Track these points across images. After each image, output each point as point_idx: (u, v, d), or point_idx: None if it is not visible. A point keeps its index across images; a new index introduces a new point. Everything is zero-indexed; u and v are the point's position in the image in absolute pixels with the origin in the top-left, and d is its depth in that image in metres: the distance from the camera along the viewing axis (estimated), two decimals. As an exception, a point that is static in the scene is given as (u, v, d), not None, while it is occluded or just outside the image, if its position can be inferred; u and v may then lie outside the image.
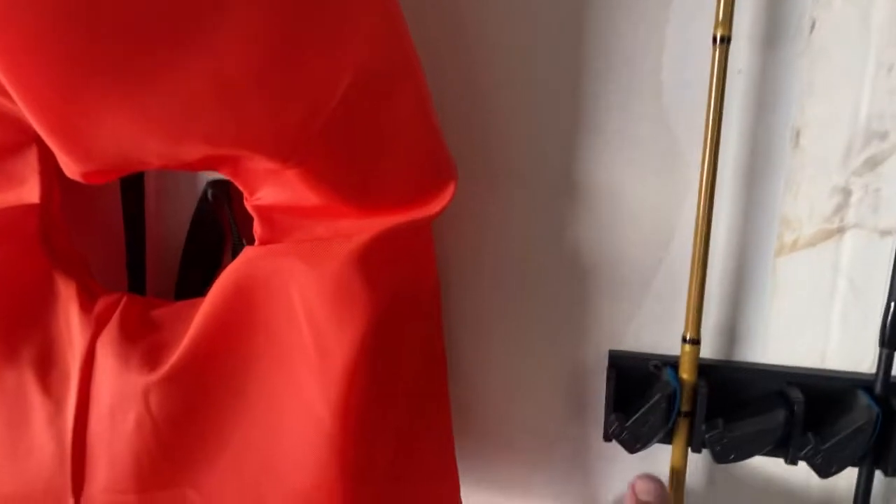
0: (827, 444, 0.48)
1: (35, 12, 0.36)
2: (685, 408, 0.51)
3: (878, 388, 0.49)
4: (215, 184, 0.59)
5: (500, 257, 0.56)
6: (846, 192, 0.49)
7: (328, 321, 0.44)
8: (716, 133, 0.47)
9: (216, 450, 0.46)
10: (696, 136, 0.49)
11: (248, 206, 0.49)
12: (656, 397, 0.50)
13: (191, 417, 0.46)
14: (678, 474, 0.52)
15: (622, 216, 0.53)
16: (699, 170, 0.48)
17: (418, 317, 0.50)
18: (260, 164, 0.44)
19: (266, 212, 0.48)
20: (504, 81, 0.52)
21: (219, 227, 0.58)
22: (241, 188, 0.48)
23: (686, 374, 0.51)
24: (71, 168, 0.42)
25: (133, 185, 0.58)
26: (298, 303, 0.45)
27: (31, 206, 0.52)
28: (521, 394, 0.58)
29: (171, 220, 0.60)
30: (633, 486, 0.52)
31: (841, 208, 0.50)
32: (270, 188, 0.47)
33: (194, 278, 0.58)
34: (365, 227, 0.46)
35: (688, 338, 0.50)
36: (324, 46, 0.40)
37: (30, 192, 0.52)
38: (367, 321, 0.44)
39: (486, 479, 0.61)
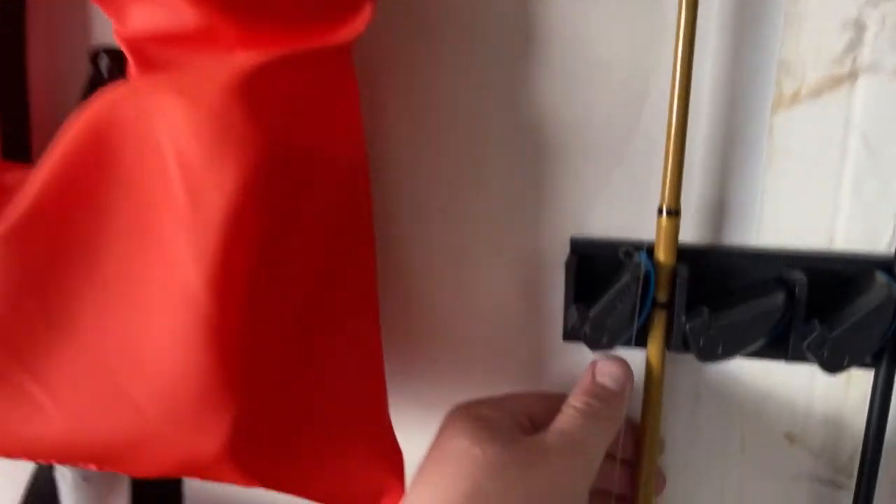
0: (836, 331, 0.39)
1: None
2: (662, 298, 0.42)
3: (898, 266, 0.40)
4: (110, 53, 0.50)
5: (441, 123, 0.46)
6: (859, 27, 0.40)
7: (204, 164, 0.35)
8: None
9: (62, 331, 0.37)
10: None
11: (117, 40, 0.40)
12: (624, 280, 0.41)
13: (30, 291, 0.37)
14: (655, 381, 0.43)
15: (585, 70, 0.44)
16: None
17: (333, 180, 0.41)
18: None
19: (139, 45, 0.39)
20: None
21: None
22: (108, 16, 0.39)
23: (663, 255, 0.41)
24: None
25: (11, 46, 0.49)
26: (168, 146, 0.36)
27: None
28: (469, 291, 0.49)
29: (60, 91, 0.51)
30: (592, 366, 0.42)
31: (853, 47, 0.40)
32: (142, 8, 0.38)
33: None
34: (255, 58, 0.37)
35: (665, 209, 0.41)
36: None
37: None
38: (252, 164, 0.35)
39: (435, 390, 0.51)
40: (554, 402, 0.41)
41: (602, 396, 0.40)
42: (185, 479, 0.56)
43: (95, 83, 0.50)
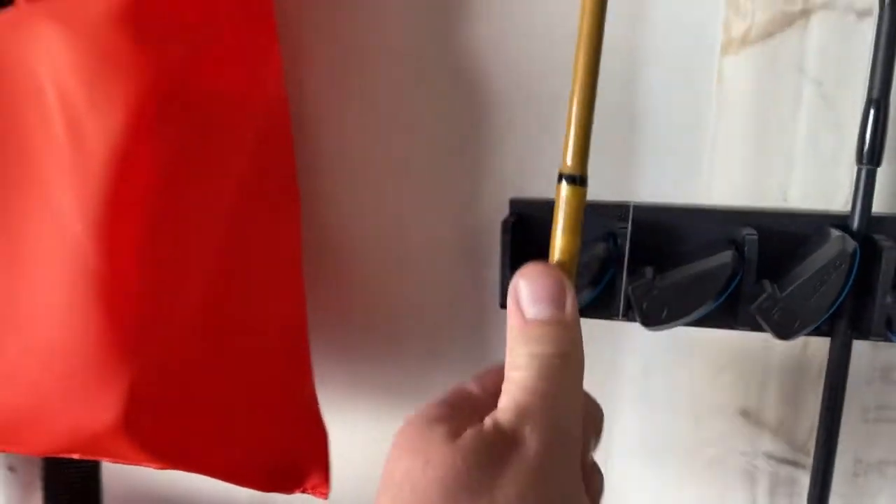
0: (788, 290, 0.36)
1: None
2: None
3: (856, 220, 0.37)
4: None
5: (374, 66, 0.43)
6: (812, -37, 0.37)
7: (85, 99, 0.31)
8: None
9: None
10: None
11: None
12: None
13: None
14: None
15: (519, 23, 0.41)
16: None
17: (248, 125, 0.37)
18: None
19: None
20: None
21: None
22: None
23: (567, 231, 0.29)
24: None
25: None
26: (48, 80, 0.32)
27: None
28: (407, 258, 0.45)
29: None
30: (515, 293, 0.29)
31: (805, -15, 0.37)
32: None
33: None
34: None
35: (566, 174, 0.29)
36: None
37: None
38: (141, 99, 0.32)
39: (368, 361, 0.48)
40: (490, 376, 0.31)
41: (546, 336, 0.28)
42: (102, 467, 0.52)
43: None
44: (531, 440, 0.25)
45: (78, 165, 0.32)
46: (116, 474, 0.52)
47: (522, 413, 0.26)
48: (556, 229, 0.29)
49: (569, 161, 0.29)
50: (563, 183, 0.29)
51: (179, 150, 0.34)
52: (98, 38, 0.31)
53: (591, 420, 0.30)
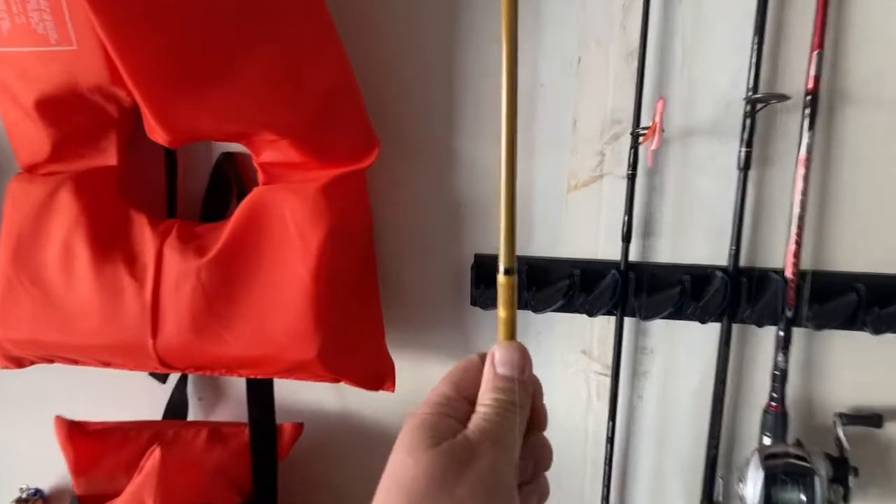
0: (590, 296, 0.85)
1: (155, 37, 0.69)
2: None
3: (621, 266, 0.87)
4: (227, 154, 0.92)
5: (408, 200, 0.91)
6: (602, 154, 0.87)
7: (306, 224, 0.78)
8: (511, 127, 0.44)
9: (240, 305, 0.79)
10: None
11: (255, 163, 0.83)
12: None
13: (225, 285, 0.79)
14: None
15: (485, 165, 0.89)
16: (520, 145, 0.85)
17: (358, 228, 0.85)
18: (266, 137, 0.77)
19: (267, 167, 0.82)
20: (406, 67, 0.88)
21: (227, 183, 0.91)
22: (250, 152, 0.82)
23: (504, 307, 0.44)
24: (161, 137, 0.75)
25: (170, 155, 0.90)
26: (288, 216, 0.79)
27: (111, 167, 0.84)
28: (423, 282, 0.94)
29: (194, 179, 0.92)
30: (492, 357, 0.42)
31: (600, 163, 0.87)
32: (271, 152, 0.81)
33: (212, 216, 0.91)
34: (327, 175, 0.81)
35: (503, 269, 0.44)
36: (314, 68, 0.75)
37: (109, 157, 0.84)
38: (328, 225, 0.79)
39: (401, 339, 0.96)
40: (476, 371, 0.42)
41: (506, 389, 0.40)
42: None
43: (217, 171, 0.93)
44: (485, 455, 0.37)
45: (302, 250, 0.78)
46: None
47: (483, 435, 0.38)
48: (500, 305, 0.43)
49: (503, 260, 0.43)
50: (500, 274, 0.43)
51: (339, 240, 0.81)
52: (312, 199, 0.79)
53: (536, 451, 0.42)
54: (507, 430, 0.39)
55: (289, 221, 0.79)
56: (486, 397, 0.40)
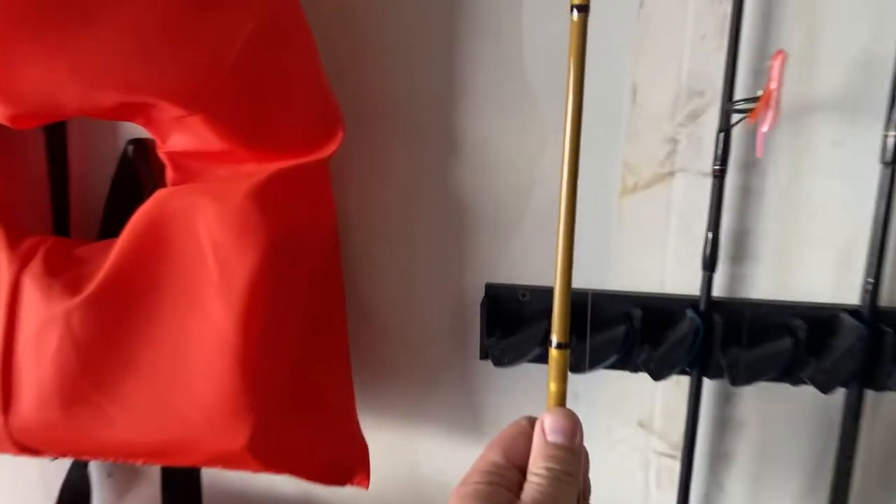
0: (658, 352, 0.58)
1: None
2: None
3: (702, 305, 0.59)
4: (135, 142, 0.65)
5: (391, 202, 0.64)
6: (674, 141, 0.59)
7: (230, 247, 0.51)
8: (578, 97, 0.43)
9: (131, 366, 0.52)
10: (554, 96, 0.59)
11: (160, 153, 0.56)
12: (532, 331, 0.59)
13: (108, 337, 0.52)
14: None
15: (494, 165, 0.62)
16: (558, 128, 0.57)
17: (316, 250, 0.58)
18: (168, 112, 0.50)
19: (177, 158, 0.55)
20: (390, 50, 0.60)
21: (138, 181, 0.64)
22: (154, 137, 0.55)
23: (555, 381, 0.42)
24: (-1, 111, 0.48)
25: (56, 144, 0.64)
26: (204, 234, 0.52)
27: (-41, 159, 0.57)
28: (411, 326, 0.66)
29: (93, 176, 0.66)
30: (542, 424, 0.40)
31: (670, 154, 0.59)
32: (180, 135, 0.54)
33: (116, 226, 0.64)
34: (263, 170, 0.54)
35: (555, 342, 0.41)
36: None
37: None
38: (265, 247, 0.52)
39: (381, 411, 0.69)
40: (526, 437, 0.41)
41: (559, 458, 0.39)
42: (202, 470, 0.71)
43: (124, 164, 0.66)
44: None
45: (225, 285, 0.51)
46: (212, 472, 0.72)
47: None
48: (550, 378, 0.41)
49: (556, 333, 0.40)
50: (553, 348, 0.40)
51: (281, 273, 0.54)
52: (239, 207, 0.51)
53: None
54: (560, 500, 0.38)
55: (204, 242, 0.52)
56: (537, 466, 0.39)
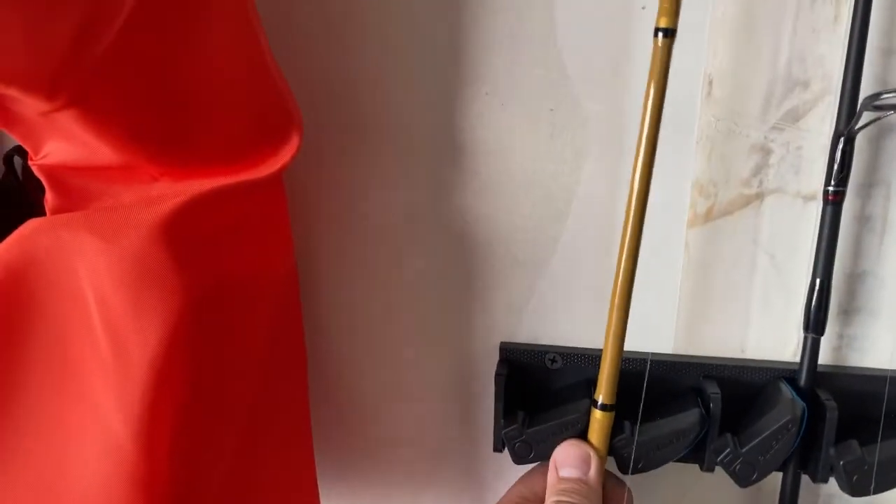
0: (747, 447, 0.41)
1: None
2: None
3: (802, 378, 0.42)
4: (18, 151, 0.48)
5: (373, 233, 0.46)
6: (765, 151, 0.42)
7: (126, 313, 0.34)
8: (654, 130, 0.37)
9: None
10: (596, 85, 0.42)
11: (32, 167, 0.38)
12: (570, 417, 0.42)
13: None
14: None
15: (511, 184, 0.45)
16: (602, 135, 0.41)
17: (264, 308, 0.40)
18: (28, 105, 0.33)
19: (55, 173, 0.38)
20: (372, 22, 0.43)
21: (16, 203, 0.47)
22: (24, 146, 0.38)
23: (597, 442, 0.42)
24: None
25: None
26: (88, 289, 0.34)
27: None
28: (401, 399, 0.49)
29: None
30: (553, 461, 0.41)
31: (760, 170, 0.43)
32: (56, 142, 0.36)
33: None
34: (181, 192, 0.36)
35: (599, 403, 0.41)
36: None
37: None
38: (178, 312, 0.34)
39: (367, 500, 0.52)
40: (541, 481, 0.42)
41: (570, 490, 0.39)
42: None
43: (8, 181, 0.49)
44: None
45: (119, 371, 0.34)
46: None
47: None
48: (591, 439, 0.41)
49: (603, 393, 0.40)
50: (597, 409, 0.40)
51: (210, 345, 0.36)
52: (136, 252, 0.34)
53: None
54: None
55: (90, 304, 0.35)
56: (549, 501, 0.39)
